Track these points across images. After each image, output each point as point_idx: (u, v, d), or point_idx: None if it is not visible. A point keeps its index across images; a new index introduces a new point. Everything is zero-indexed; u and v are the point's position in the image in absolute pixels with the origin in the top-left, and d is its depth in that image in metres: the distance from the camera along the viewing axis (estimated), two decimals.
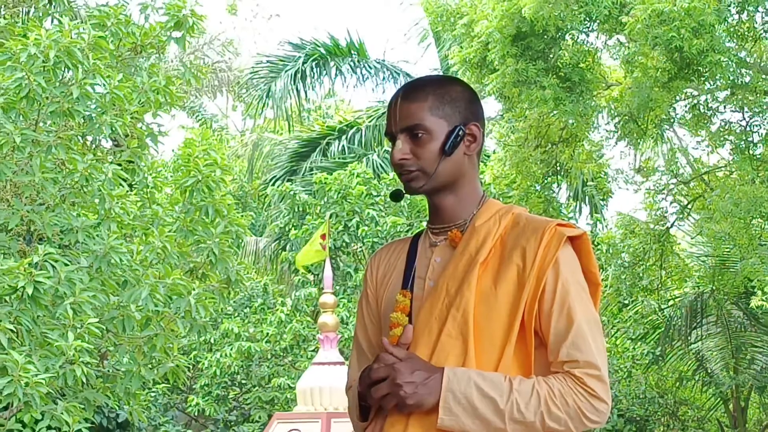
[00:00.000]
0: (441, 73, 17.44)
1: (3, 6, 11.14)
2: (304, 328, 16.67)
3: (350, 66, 20.76)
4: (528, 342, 2.54)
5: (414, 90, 2.65)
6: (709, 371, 18.05)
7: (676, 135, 15.95)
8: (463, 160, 2.64)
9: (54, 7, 11.35)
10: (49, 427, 8.56)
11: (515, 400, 2.45)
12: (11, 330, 8.05)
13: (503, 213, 2.64)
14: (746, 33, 13.10)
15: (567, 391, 2.49)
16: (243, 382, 17.20)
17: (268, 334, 16.73)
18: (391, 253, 2.79)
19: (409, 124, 2.60)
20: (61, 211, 9.33)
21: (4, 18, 10.85)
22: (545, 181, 14.97)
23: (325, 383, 11.61)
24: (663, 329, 18.34)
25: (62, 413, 8.53)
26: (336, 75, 20.86)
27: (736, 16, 12.97)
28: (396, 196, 2.70)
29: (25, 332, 8.31)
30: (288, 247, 18.14)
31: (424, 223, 2.80)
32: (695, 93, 13.78)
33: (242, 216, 10.77)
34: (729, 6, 12.72)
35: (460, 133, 2.61)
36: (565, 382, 2.50)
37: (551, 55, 13.21)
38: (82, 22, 10.01)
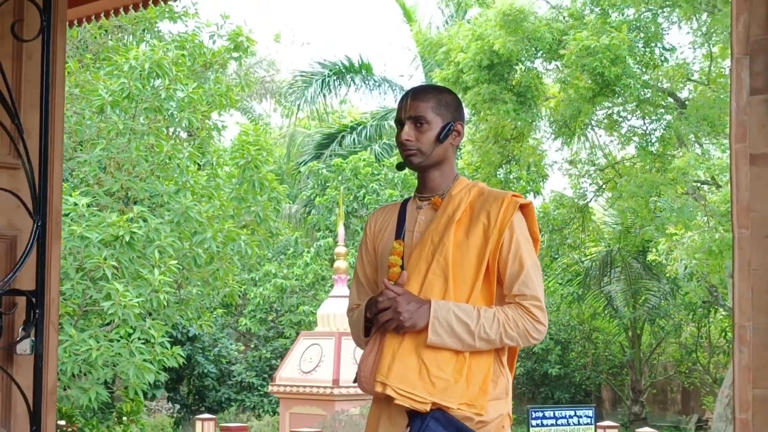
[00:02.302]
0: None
1: (110, 33, 11.14)
2: (323, 270, 16.70)
3: (361, 79, 20.76)
4: (491, 280, 2.57)
5: (422, 92, 2.68)
6: (615, 308, 18.13)
7: (596, 135, 15.94)
8: (448, 148, 2.67)
9: (147, 33, 11.37)
10: (139, 338, 8.60)
11: (483, 324, 2.49)
12: (114, 267, 8.09)
13: (471, 186, 2.67)
14: (649, 62, 13.10)
15: (518, 317, 2.53)
16: (278, 309, 17.25)
17: (297, 274, 16.76)
18: (386, 213, 2.81)
19: (415, 114, 2.63)
20: (150, 181, 9.35)
21: (112, 41, 10.86)
22: (502, 168, 14.99)
23: (338, 311, 11.62)
24: (582, 276, 18.41)
25: (149, 328, 8.57)
26: (350, 85, 20.90)
27: (643, 49, 12.97)
28: (400, 166, 2.73)
29: (123, 269, 8.35)
30: (313, 212, 18.16)
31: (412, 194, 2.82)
32: (611, 105, 13.80)
33: (281, 185, 10.79)
34: (638, 43, 12.75)
35: (450, 128, 2.64)
36: (516, 310, 2.53)
37: (509, 78, 13.23)
38: (167, 44, 10.03)
